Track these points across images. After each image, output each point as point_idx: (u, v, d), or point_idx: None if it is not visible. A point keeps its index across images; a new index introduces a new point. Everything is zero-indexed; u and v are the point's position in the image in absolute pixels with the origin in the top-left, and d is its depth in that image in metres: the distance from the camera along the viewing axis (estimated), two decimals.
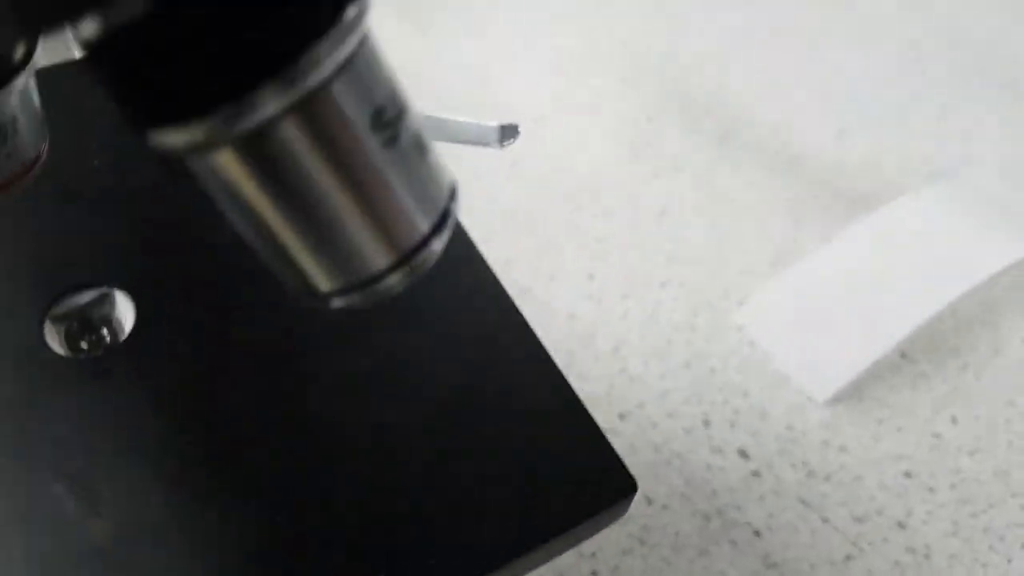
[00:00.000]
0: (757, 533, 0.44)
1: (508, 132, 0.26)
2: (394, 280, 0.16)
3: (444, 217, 0.17)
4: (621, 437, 0.47)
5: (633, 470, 0.46)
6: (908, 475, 0.47)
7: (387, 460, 0.24)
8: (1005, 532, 0.46)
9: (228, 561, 0.22)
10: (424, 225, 0.16)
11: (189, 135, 0.13)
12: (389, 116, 0.15)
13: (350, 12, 0.14)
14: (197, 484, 0.23)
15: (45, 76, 0.23)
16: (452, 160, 0.18)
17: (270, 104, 0.13)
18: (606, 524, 0.26)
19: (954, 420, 0.50)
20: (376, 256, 0.16)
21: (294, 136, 0.14)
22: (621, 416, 0.48)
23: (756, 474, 0.46)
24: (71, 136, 0.28)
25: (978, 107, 0.70)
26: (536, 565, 0.25)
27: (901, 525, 0.45)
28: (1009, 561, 0.45)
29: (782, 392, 0.49)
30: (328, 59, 0.13)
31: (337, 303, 0.16)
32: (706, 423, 0.48)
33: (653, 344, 0.51)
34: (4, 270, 0.27)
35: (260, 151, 0.14)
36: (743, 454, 0.47)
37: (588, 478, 0.25)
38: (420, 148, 0.16)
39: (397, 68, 0.16)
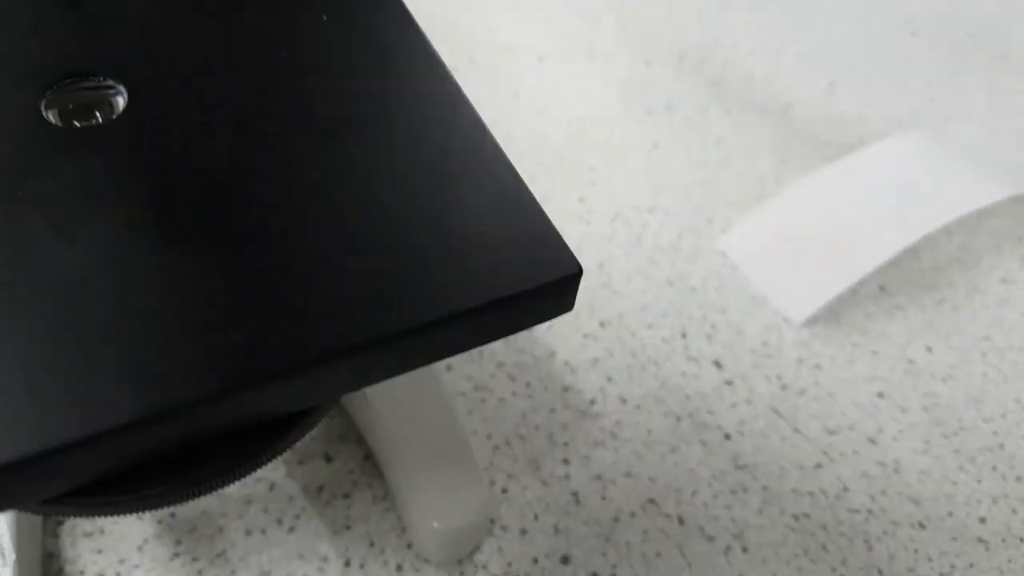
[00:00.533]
0: (727, 436, 0.45)
1: None
2: None
3: None
4: (600, 342, 0.47)
5: (609, 372, 0.47)
6: (881, 395, 0.48)
7: (353, 215, 0.25)
8: (976, 455, 0.46)
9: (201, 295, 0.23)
10: None
11: None
12: None
13: None
14: (177, 231, 0.24)
15: None
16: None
17: None
18: (552, 311, 0.26)
19: (929, 349, 0.50)
20: None
21: None
22: (601, 324, 0.48)
23: (729, 383, 0.47)
24: None
25: (968, 78, 0.71)
26: (483, 340, 0.26)
27: (872, 440, 0.46)
28: (979, 481, 0.45)
29: (759, 312, 0.50)
30: None
31: None
32: (683, 335, 0.49)
33: (637, 263, 0.52)
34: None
35: None
36: (717, 365, 0.47)
37: (533, 257, 0.26)
38: None
39: None
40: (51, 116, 0.27)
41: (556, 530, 0.41)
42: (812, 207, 0.54)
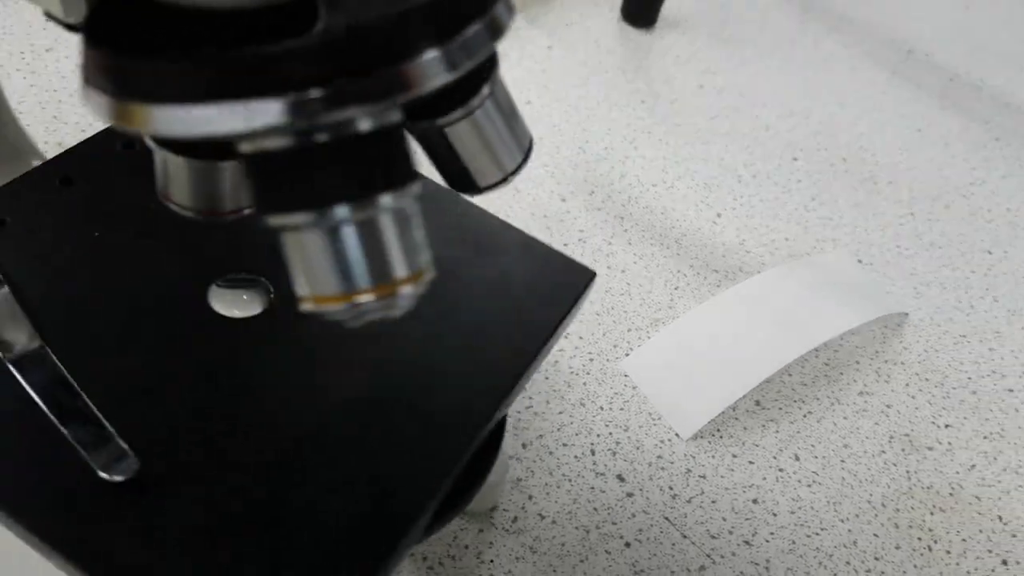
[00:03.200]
0: (628, 544, 0.53)
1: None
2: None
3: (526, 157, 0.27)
4: (523, 462, 0.56)
5: (530, 490, 0.55)
6: (755, 501, 0.57)
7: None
8: (833, 551, 0.56)
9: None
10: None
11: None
12: None
13: None
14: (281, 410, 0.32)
15: None
16: None
17: None
18: (577, 310, 0.38)
19: (796, 457, 0.60)
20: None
21: None
22: (524, 445, 0.57)
23: (630, 495, 0.55)
24: None
25: (842, 200, 0.83)
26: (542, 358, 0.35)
27: (748, 543, 0.55)
28: (835, 575, 0.55)
29: (655, 428, 0.59)
30: None
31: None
32: (592, 451, 0.57)
33: (553, 386, 0.60)
34: (174, 252, 0.36)
35: None
36: (620, 479, 0.56)
37: (559, 281, 0.36)
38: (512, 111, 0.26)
39: None
40: (214, 305, 0.34)
41: None
42: (699, 334, 0.63)
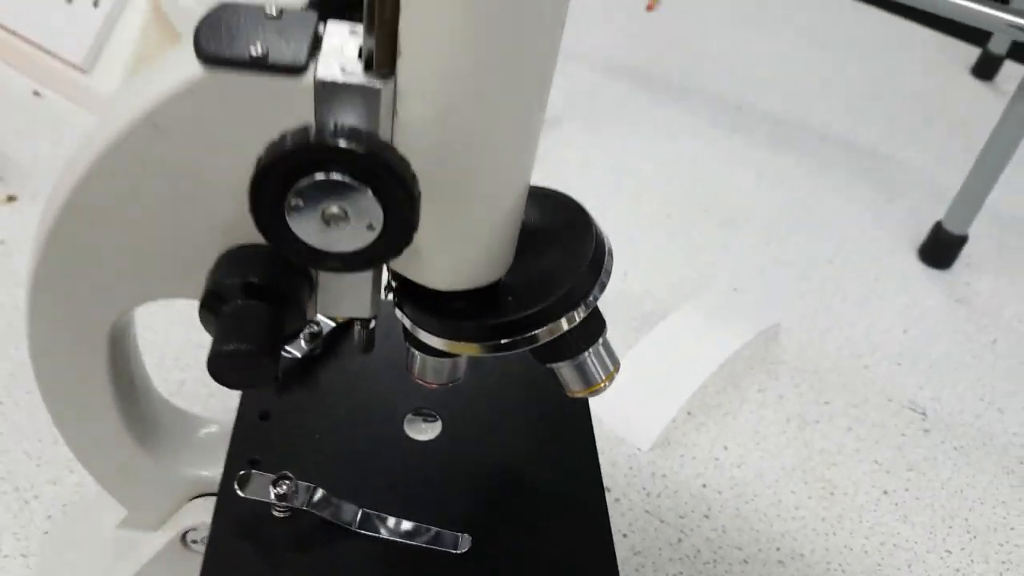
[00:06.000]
0: (625, 535, 0.71)
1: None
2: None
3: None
4: None
5: None
6: (704, 486, 0.76)
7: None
8: (767, 510, 0.76)
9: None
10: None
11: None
12: None
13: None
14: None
15: None
16: None
17: None
18: None
19: (725, 447, 0.80)
20: None
21: None
22: None
23: (617, 500, 0.73)
24: None
25: (712, 242, 1.05)
26: None
27: (706, 516, 0.74)
28: (771, 527, 0.74)
29: (622, 447, 0.78)
30: None
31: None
32: None
33: None
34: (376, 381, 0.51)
35: None
36: (608, 489, 0.74)
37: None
38: None
39: None
40: (408, 430, 0.50)
41: None
42: (638, 371, 0.82)
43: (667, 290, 0.95)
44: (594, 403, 0.81)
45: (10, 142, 1.01)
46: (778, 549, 0.73)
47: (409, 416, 0.51)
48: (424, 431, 0.50)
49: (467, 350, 0.39)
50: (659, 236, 1.04)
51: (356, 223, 0.32)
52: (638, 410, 0.80)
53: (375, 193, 0.31)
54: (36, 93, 1.10)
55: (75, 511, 0.64)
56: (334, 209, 0.31)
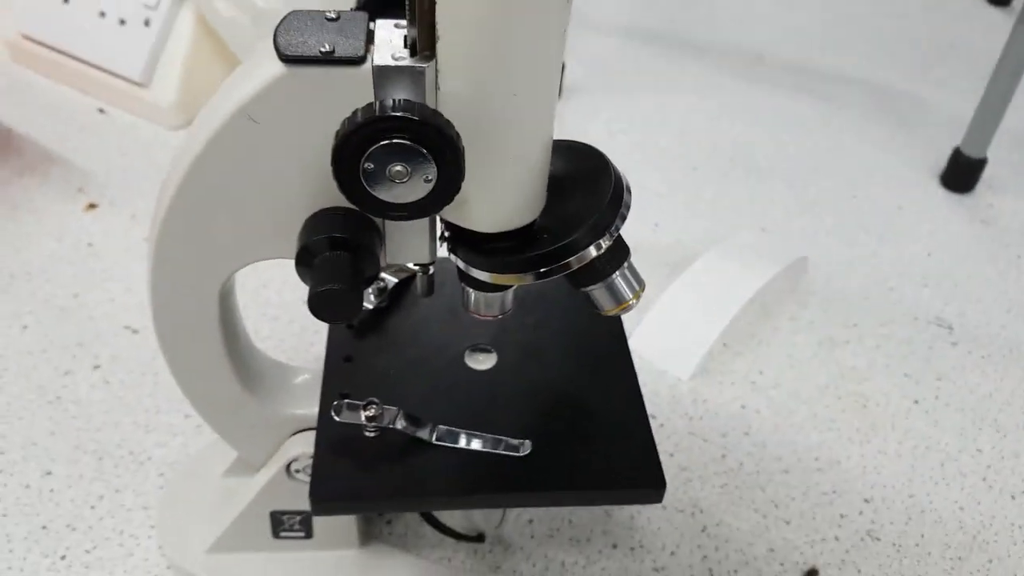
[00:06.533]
0: (671, 455, 0.78)
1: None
2: None
3: None
4: None
5: None
6: (743, 407, 0.83)
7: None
8: (802, 424, 0.82)
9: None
10: None
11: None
12: None
13: None
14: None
15: None
16: None
17: None
18: (639, 502, 0.60)
19: (761, 372, 0.87)
20: None
21: None
22: None
23: (662, 425, 0.81)
24: None
25: (738, 190, 1.11)
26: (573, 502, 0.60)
27: (746, 434, 0.81)
28: (808, 437, 0.81)
29: (664, 378, 0.85)
30: None
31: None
32: None
33: None
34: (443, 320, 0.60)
35: None
36: (652, 416, 0.81)
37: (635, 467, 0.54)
38: None
39: None
40: (467, 361, 0.58)
41: None
42: (675, 309, 0.90)
43: (697, 237, 1.02)
44: (635, 339, 0.89)
45: (85, 157, 1.11)
46: (816, 458, 0.80)
47: (467, 351, 0.59)
48: (482, 362, 0.59)
49: (514, 280, 0.47)
50: (687, 188, 1.11)
51: (415, 178, 0.40)
52: (677, 343, 0.87)
53: (429, 152, 0.39)
54: (101, 111, 1.20)
55: (183, 467, 0.73)
56: (398, 168, 0.39)
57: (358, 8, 0.48)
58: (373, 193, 0.40)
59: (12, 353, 0.83)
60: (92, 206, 1.02)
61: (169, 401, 0.79)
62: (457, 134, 0.39)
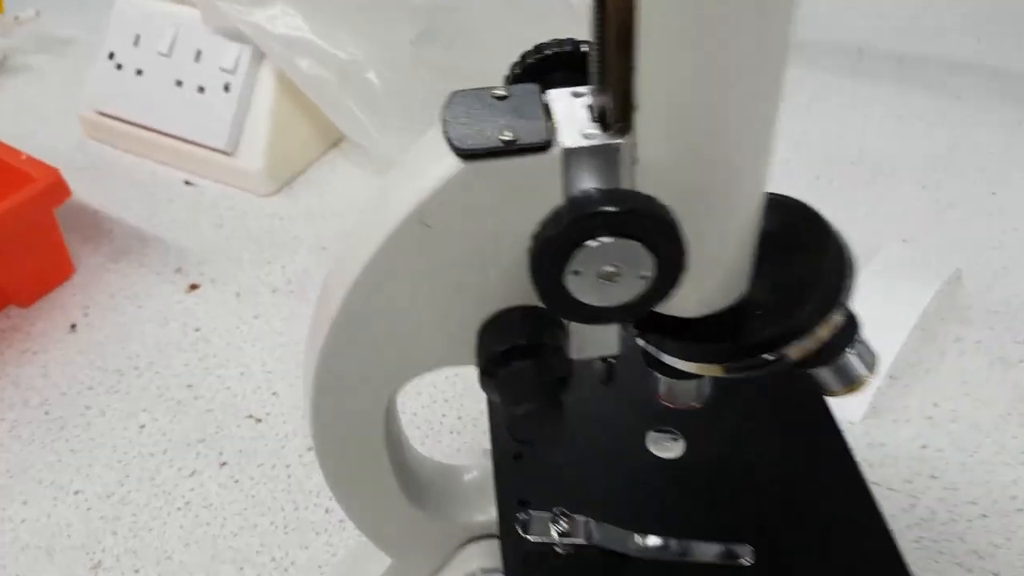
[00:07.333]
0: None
1: None
2: None
3: None
4: None
5: None
6: (924, 447, 0.75)
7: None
8: (985, 458, 0.74)
9: None
10: None
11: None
12: None
13: None
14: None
15: None
16: None
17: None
18: None
19: (935, 404, 0.78)
20: None
21: None
22: None
23: None
24: None
25: (867, 195, 1.02)
26: None
27: (933, 476, 0.73)
28: (1001, 475, 0.72)
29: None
30: None
31: None
32: None
33: None
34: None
35: None
36: None
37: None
38: None
39: None
40: (649, 447, 0.52)
41: None
42: None
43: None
44: None
45: (177, 233, 1.08)
46: (1013, 497, 0.71)
47: (650, 434, 0.52)
48: (669, 449, 0.52)
49: (716, 372, 0.40)
50: (813, 200, 1.02)
51: (629, 276, 0.33)
52: None
53: (646, 246, 0.32)
54: (187, 183, 1.17)
55: (333, 571, 0.68)
56: (609, 268, 0.33)
57: (514, 78, 0.42)
58: (579, 299, 0.34)
59: (132, 457, 0.79)
60: (194, 287, 0.99)
61: (305, 495, 0.74)
62: (676, 219, 0.33)
